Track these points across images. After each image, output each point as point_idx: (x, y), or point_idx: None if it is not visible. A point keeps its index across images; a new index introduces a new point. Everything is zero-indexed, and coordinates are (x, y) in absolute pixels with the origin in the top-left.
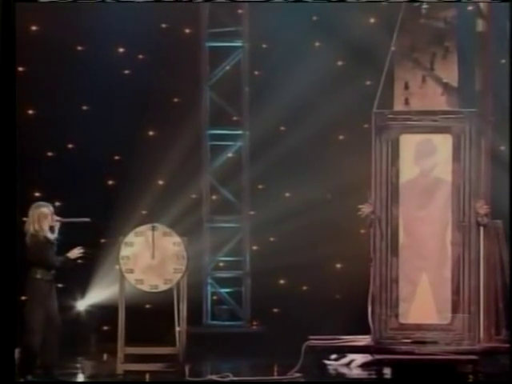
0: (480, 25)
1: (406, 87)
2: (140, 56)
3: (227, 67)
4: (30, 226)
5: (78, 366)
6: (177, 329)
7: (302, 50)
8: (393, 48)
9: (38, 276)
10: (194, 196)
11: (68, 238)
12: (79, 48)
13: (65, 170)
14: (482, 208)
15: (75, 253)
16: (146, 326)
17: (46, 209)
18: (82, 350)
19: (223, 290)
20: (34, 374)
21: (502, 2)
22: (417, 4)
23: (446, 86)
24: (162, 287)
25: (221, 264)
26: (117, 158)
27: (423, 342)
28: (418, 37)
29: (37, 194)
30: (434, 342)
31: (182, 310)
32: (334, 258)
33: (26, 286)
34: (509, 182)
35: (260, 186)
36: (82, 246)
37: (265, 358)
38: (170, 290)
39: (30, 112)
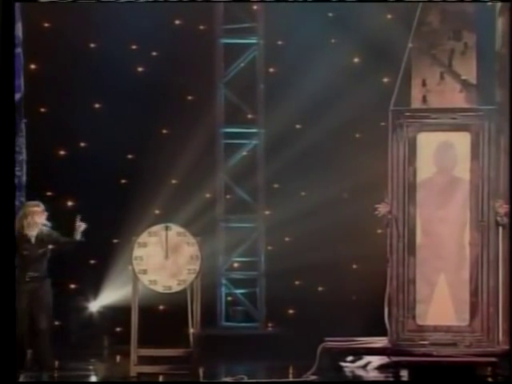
0: (500, 20)
1: (424, 84)
2: (153, 53)
3: (242, 64)
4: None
5: (91, 367)
6: (190, 330)
7: (318, 47)
8: (410, 44)
9: (19, 277)
10: (208, 195)
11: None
12: (92, 45)
13: (77, 169)
14: (502, 207)
15: None
16: (159, 328)
17: (30, 208)
18: (94, 352)
19: (238, 291)
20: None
21: (502, 1)
22: None
23: (464, 83)
24: (176, 288)
25: (235, 264)
26: (130, 156)
27: (441, 344)
28: (435, 33)
29: (49, 193)
30: (452, 344)
31: (195, 311)
32: (351, 258)
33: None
34: (509, 180)
35: (275, 185)
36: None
37: (280, 360)
38: (183, 291)
39: (43, 110)
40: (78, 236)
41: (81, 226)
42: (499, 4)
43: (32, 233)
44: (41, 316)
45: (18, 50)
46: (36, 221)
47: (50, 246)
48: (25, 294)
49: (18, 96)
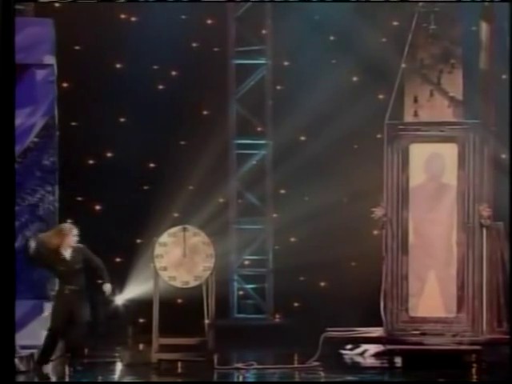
0: (483, 44)
1: (416, 100)
2: (173, 72)
3: (252, 82)
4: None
5: (117, 354)
6: (206, 321)
7: (321, 67)
8: (403, 65)
9: (59, 288)
10: (221, 200)
11: (108, 239)
12: (118, 66)
13: (104, 176)
14: (485, 211)
15: None
16: (177, 319)
17: (64, 231)
18: (120, 340)
19: (248, 286)
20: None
21: (502, 1)
22: (425, 24)
23: (451, 99)
24: (193, 283)
25: (246, 262)
26: (151, 165)
27: (431, 334)
28: (426, 54)
29: (79, 198)
30: (441, 334)
31: (210, 304)
32: (350, 256)
33: None
34: (509, 186)
35: (282, 191)
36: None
37: (286, 348)
38: (199, 286)
39: (73, 124)
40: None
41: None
42: (484, 28)
43: (66, 252)
44: (78, 318)
45: (53, 77)
46: (69, 243)
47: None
48: (64, 303)
49: (52, 114)
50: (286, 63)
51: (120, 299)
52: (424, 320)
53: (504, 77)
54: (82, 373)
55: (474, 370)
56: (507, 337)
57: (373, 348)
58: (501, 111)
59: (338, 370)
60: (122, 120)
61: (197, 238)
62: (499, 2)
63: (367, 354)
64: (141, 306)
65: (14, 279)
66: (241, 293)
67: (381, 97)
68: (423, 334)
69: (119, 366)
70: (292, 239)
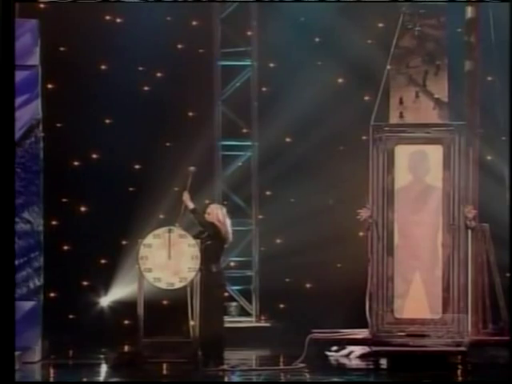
0: (468, 45)
1: (401, 102)
2: (158, 74)
3: (238, 84)
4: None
5: (102, 356)
6: (191, 323)
7: (306, 69)
8: (388, 66)
9: None
10: (207, 202)
11: (93, 240)
12: (103, 67)
13: (89, 177)
14: (470, 212)
15: None
16: (163, 320)
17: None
18: (105, 342)
19: (234, 288)
20: None
21: (502, 1)
22: (410, 26)
23: (437, 101)
24: (178, 285)
25: (232, 264)
26: (137, 166)
27: (417, 335)
28: (411, 56)
29: (64, 200)
30: (427, 335)
31: (195, 305)
32: (335, 258)
33: None
34: (509, 189)
35: (268, 193)
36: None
37: (272, 350)
38: (184, 288)
39: (58, 125)
40: None
41: None
42: (468, 28)
43: None
44: None
45: (37, 79)
46: None
47: None
48: None
49: (36, 115)
50: (271, 65)
51: (105, 301)
52: (409, 321)
53: (489, 78)
54: (67, 374)
55: (459, 372)
56: (492, 338)
57: (358, 349)
58: (486, 113)
59: (324, 372)
60: (108, 121)
61: (182, 239)
62: (499, 2)
63: (353, 356)
64: (126, 308)
65: (14, 280)
66: (226, 294)
67: (366, 98)
68: (409, 336)
69: (104, 368)
70: (278, 241)
